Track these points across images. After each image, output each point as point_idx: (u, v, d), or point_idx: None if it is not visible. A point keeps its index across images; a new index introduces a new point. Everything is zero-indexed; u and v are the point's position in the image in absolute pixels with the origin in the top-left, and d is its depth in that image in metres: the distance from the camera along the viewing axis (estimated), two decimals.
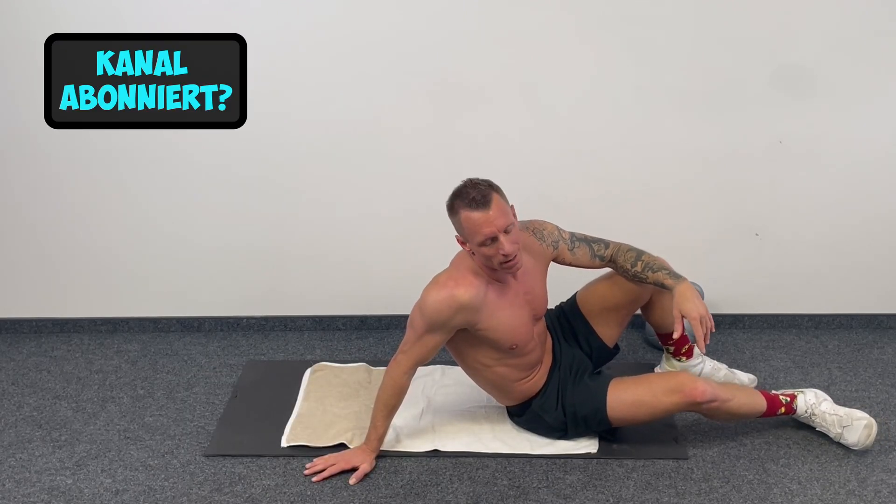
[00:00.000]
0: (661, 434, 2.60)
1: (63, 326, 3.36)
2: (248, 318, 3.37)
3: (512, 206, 2.32)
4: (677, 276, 2.41)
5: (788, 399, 2.58)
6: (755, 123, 3.02)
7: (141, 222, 3.19)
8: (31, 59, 2.93)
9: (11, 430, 2.72)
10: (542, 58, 2.94)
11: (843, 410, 2.54)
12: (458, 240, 2.36)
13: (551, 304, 2.68)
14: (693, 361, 2.78)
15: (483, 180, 2.28)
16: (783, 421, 2.66)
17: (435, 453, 2.55)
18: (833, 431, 2.53)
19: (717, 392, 2.40)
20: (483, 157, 3.05)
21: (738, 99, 2.99)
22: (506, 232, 2.24)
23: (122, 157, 3.08)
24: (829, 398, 2.60)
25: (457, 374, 2.93)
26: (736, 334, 3.30)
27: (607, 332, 2.63)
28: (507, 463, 2.51)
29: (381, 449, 2.51)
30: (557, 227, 2.55)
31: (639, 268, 2.46)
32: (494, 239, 2.23)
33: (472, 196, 2.23)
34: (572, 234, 2.55)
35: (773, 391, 2.61)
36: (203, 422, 2.75)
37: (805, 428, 2.63)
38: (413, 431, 2.64)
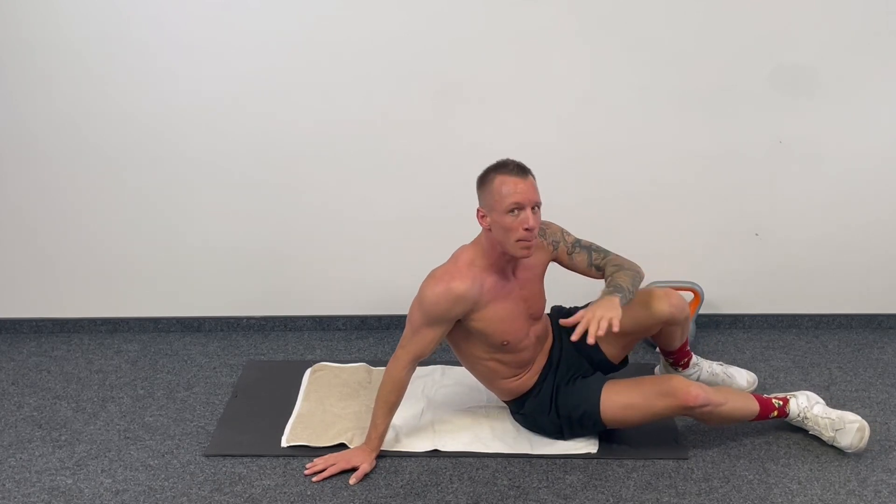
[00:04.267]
0: (661, 434, 2.60)
1: (63, 326, 3.36)
2: (248, 318, 3.37)
3: None
4: (611, 293, 2.33)
5: (781, 403, 2.57)
6: (755, 124, 3.02)
7: (141, 222, 3.19)
8: (31, 59, 2.94)
9: (11, 430, 2.72)
10: (543, 59, 2.94)
11: (835, 413, 2.53)
12: (478, 214, 2.36)
13: (554, 302, 2.68)
14: (689, 371, 2.79)
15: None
16: (781, 422, 2.66)
17: (435, 453, 2.55)
18: (826, 435, 2.52)
19: (710, 396, 2.39)
20: (484, 158, 3.03)
21: (739, 99, 2.99)
22: (532, 210, 2.28)
23: (122, 157, 3.09)
24: (822, 401, 2.60)
25: (457, 374, 2.93)
26: (736, 334, 3.30)
27: (611, 351, 2.61)
28: (507, 463, 2.51)
29: (381, 449, 2.51)
30: (562, 229, 2.55)
31: (607, 281, 2.44)
32: (521, 209, 2.26)
33: (512, 166, 2.30)
34: (577, 240, 2.54)
35: (766, 395, 2.61)
36: (203, 422, 2.75)
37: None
38: (413, 431, 2.64)
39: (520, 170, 2.30)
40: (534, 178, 2.32)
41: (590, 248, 2.54)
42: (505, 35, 2.91)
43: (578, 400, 2.49)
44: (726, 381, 2.81)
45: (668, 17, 2.89)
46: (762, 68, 2.95)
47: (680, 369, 2.77)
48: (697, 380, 2.78)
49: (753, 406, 2.51)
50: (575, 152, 3.07)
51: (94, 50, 2.92)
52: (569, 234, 2.55)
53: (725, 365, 2.86)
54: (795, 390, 2.71)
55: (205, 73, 2.96)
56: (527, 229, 2.26)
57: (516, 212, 2.26)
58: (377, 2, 2.87)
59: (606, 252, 2.53)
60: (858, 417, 2.51)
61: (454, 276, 2.36)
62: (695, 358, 2.79)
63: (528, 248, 2.31)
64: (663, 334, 2.63)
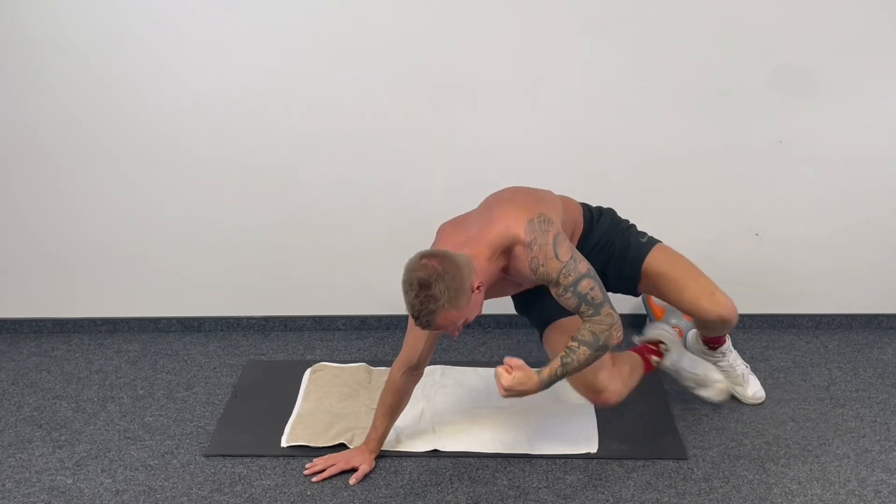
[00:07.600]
0: (661, 434, 2.61)
1: (63, 326, 3.36)
2: (248, 318, 3.37)
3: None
4: (541, 371, 2.22)
5: (658, 360, 2.67)
6: (755, 123, 3.02)
7: (141, 222, 3.19)
8: (32, 59, 2.94)
9: (11, 430, 2.72)
10: (542, 57, 2.94)
11: (700, 369, 2.62)
12: None
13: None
14: (714, 356, 2.80)
15: (431, 274, 2.04)
16: (783, 420, 2.66)
17: (435, 453, 2.55)
18: (691, 388, 2.65)
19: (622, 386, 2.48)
20: (483, 157, 3.05)
21: (738, 99, 2.98)
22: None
23: (121, 157, 3.09)
24: (687, 353, 2.69)
25: (457, 374, 2.93)
26: (736, 334, 3.29)
27: (644, 287, 2.64)
28: (507, 463, 2.51)
29: (381, 449, 2.51)
30: (563, 272, 2.23)
31: (564, 352, 2.26)
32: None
33: (414, 309, 2.08)
34: (576, 282, 2.23)
35: (648, 346, 2.70)
36: (203, 422, 2.75)
37: (805, 428, 2.63)
38: (413, 431, 2.64)
39: (423, 322, 2.08)
40: (453, 304, 2.05)
41: (584, 297, 2.25)
42: (504, 33, 2.91)
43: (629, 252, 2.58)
44: (736, 381, 2.79)
45: (668, 17, 2.88)
46: (762, 68, 2.94)
47: (706, 348, 2.80)
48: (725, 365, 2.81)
49: (642, 370, 2.63)
50: (574, 151, 3.06)
51: (94, 48, 2.92)
52: (567, 277, 2.24)
53: (748, 370, 2.84)
54: (795, 390, 2.72)
55: (204, 72, 2.96)
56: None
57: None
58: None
59: (597, 310, 2.25)
60: (722, 377, 2.61)
61: None
62: (727, 344, 2.80)
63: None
64: (702, 325, 2.67)
